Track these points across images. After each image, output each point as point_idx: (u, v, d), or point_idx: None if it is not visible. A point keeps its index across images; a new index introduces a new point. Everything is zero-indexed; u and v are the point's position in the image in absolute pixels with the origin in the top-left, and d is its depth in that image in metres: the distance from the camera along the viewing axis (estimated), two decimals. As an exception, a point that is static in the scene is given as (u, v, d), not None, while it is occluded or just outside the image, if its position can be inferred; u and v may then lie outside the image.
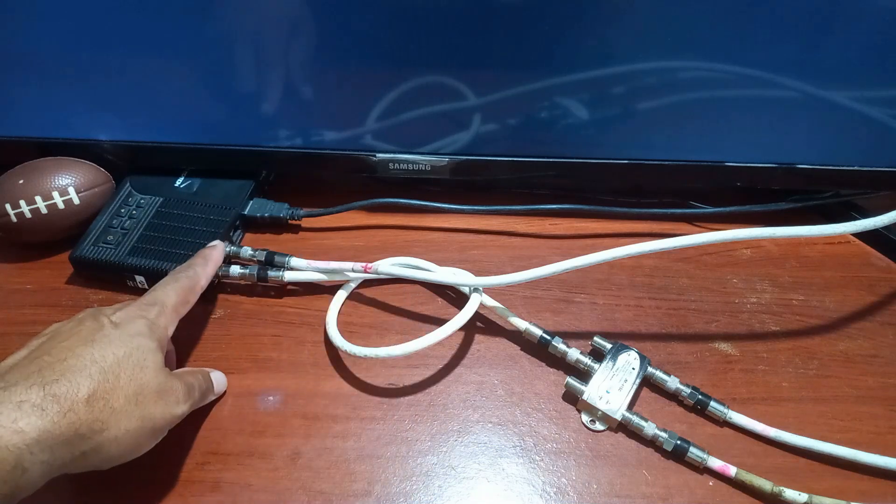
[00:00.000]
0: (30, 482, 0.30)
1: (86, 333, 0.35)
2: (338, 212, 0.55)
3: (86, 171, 0.53)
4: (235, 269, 0.49)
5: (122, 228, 0.51)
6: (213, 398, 0.42)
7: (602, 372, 0.43)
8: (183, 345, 0.46)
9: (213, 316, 0.49)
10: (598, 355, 0.45)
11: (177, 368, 0.44)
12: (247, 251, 0.51)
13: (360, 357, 0.44)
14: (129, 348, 0.35)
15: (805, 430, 0.41)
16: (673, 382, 0.43)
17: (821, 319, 0.49)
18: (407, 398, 0.44)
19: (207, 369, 0.43)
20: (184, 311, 0.41)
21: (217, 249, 0.47)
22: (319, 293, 0.50)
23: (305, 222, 0.56)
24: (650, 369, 0.44)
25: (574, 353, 0.44)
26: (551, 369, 0.46)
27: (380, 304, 0.50)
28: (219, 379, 0.43)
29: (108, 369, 0.33)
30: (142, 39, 0.49)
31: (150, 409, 0.34)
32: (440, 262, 0.50)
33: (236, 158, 0.55)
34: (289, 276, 0.49)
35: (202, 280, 0.43)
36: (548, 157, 0.54)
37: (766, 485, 0.38)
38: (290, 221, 0.56)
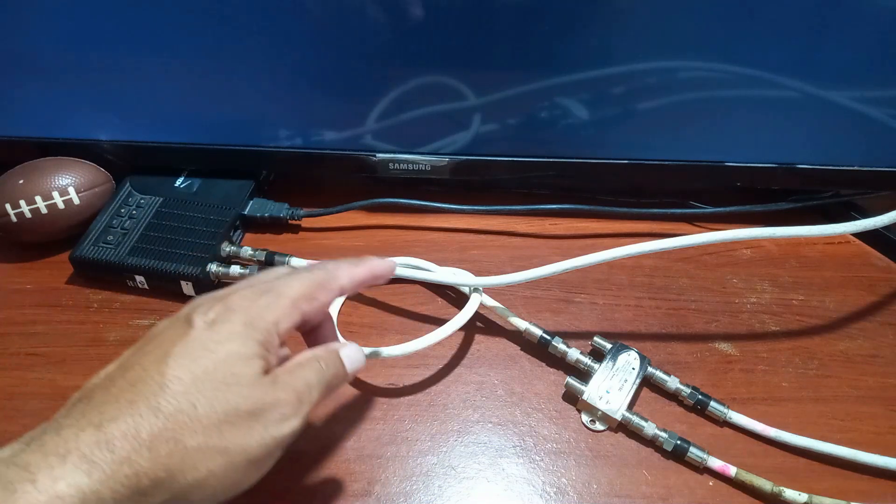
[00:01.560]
0: None
1: (168, 341, 0.28)
2: (338, 212, 0.55)
3: (86, 171, 0.53)
4: (235, 269, 0.49)
5: (122, 228, 0.51)
6: (349, 380, 0.34)
7: (602, 372, 0.43)
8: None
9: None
10: (598, 355, 0.45)
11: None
12: (247, 251, 0.51)
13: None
14: (215, 360, 0.27)
15: (805, 430, 0.41)
16: (673, 382, 0.43)
17: (821, 319, 0.49)
18: (407, 398, 0.44)
19: (334, 345, 0.33)
20: (308, 308, 0.32)
21: (383, 263, 0.37)
22: (319, 293, 0.50)
23: (305, 222, 0.56)
24: (650, 369, 0.44)
25: (574, 353, 0.44)
26: (551, 369, 0.46)
27: (380, 304, 0.50)
28: (351, 355, 0.33)
29: (180, 395, 0.26)
30: (142, 39, 0.49)
31: (239, 438, 0.27)
32: (440, 262, 0.50)
33: (236, 158, 0.55)
34: (289, 276, 0.49)
35: (343, 279, 0.34)
36: (548, 157, 0.54)
37: (766, 485, 0.38)
38: (290, 221, 0.56)
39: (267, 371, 0.29)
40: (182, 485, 0.26)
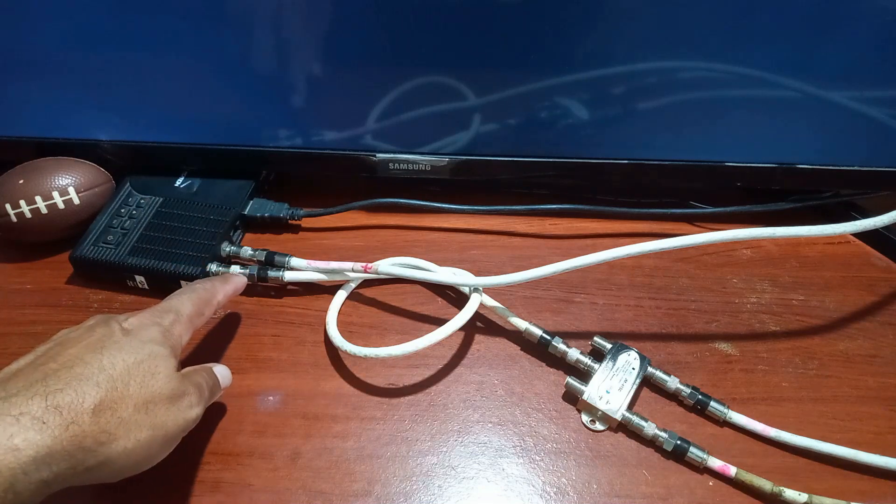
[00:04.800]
0: (25, 500, 0.28)
1: (95, 340, 0.34)
2: (338, 212, 0.55)
3: (86, 171, 0.53)
4: (235, 269, 0.49)
5: (122, 228, 0.51)
6: (221, 394, 0.41)
7: (602, 372, 0.43)
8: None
9: (213, 316, 0.49)
10: (598, 355, 0.45)
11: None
12: (247, 251, 0.51)
13: (360, 357, 0.44)
14: (141, 355, 0.33)
15: (805, 430, 0.41)
16: (673, 382, 0.43)
17: (821, 319, 0.49)
18: (407, 398, 0.44)
19: (210, 365, 0.41)
20: (198, 322, 0.40)
21: (240, 277, 0.46)
22: (319, 293, 0.50)
23: (305, 222, 0.56)
24: (650, 369, 0.44)
25: (574, 353, 0.44)
26: (551, 369, 0.46)
27: (380, 304, 0.50)
28: (223, 373, 0.41)
29: (117, 377, 0.32)
30: (142, 39, 0.49)
31: (161, 416, 0.33)
32: (440, 262, 0.50)
33: (236, 158, 0.55)
34: (289, 276, 0.49)
35: (219, 295, 0.42)
36: (548, 157, 0.54)
37: (766, 485, 0.38)
38: (290, 221, 0.56)
39: (177, 370, 0.36)
40: (114, 450, 0.30)
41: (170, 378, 0.34)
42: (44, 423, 0.28)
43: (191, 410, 0.35)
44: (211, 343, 0.47)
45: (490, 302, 0.47)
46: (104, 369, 0.32)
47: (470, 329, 0.48)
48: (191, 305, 0.40)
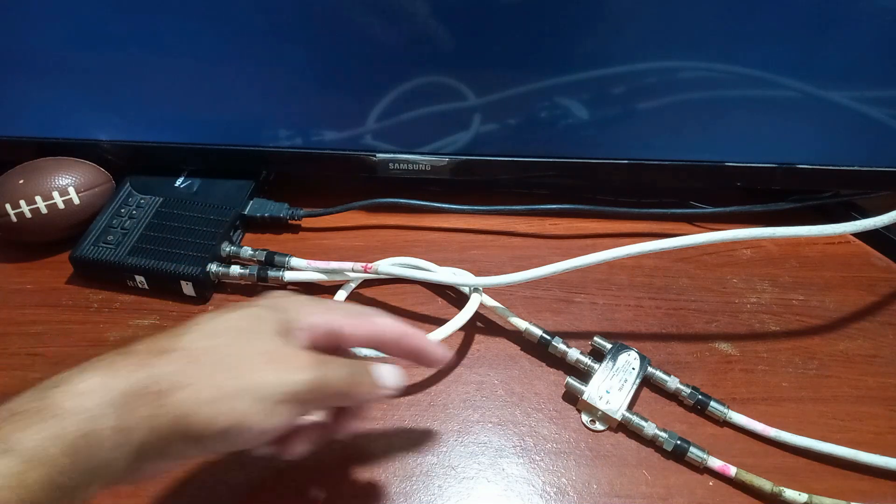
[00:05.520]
0: (107, 456, 0.26)
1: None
2: (338, 212, 0.55)
3: (86, 171, 0.53)
4: (235, 269, 0.49)
5: (122, 228, 0.51)
6: (384, 392, 0.33)
7: (602, 372, 0.43)
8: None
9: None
10: (598, 355, 0.45)
11: None
12: (247, 251, 0.51)
13: (359, 357, 0.44)
14: (241, 313, 0.31)
15: (805, 430, 0.41)
16: (673, 382, 0.43)
17: (821, 319, 0.49)
18: (407, 398, 0.44)
19: (371, 361, 0.35)
20: (341, 321, 0.33)
21: (438, 347, 0.37)
22: (319, 293, 0.50)
23: (305, 222, 0.56)
24: (650, 369, 0.44)
25: (574, 353, 0.44)
26: (551, 369, 0.46)
27: (380, 304, 0.50)
28: (387, 372, 0.33)
29: (204, 326, 0.30)
30: (142, 39, 0.49)
31: (253, 372, 0.29)
32: (440, 262, 0.50)
33: (236, 158, 0.55)
34: (289, 276, 0.49)
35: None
36: (548, 157, 0.54)
37: (766, 485, 0.38)
38: (290, 221, 0.56)
39: (284, 337, 0.31)
40: (191, 395, 0.27)
41: (272, 337, 0.30)
42: (111, 364, 0.27)
43: (296, 373, 0.29)
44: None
45: (490, 302, 0.47)
46: (197, 323, 0.30)
47: (470, 329, 0.48)
48: (345, 310, 0.34)
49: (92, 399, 0.26)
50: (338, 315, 0.33)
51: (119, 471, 0.26)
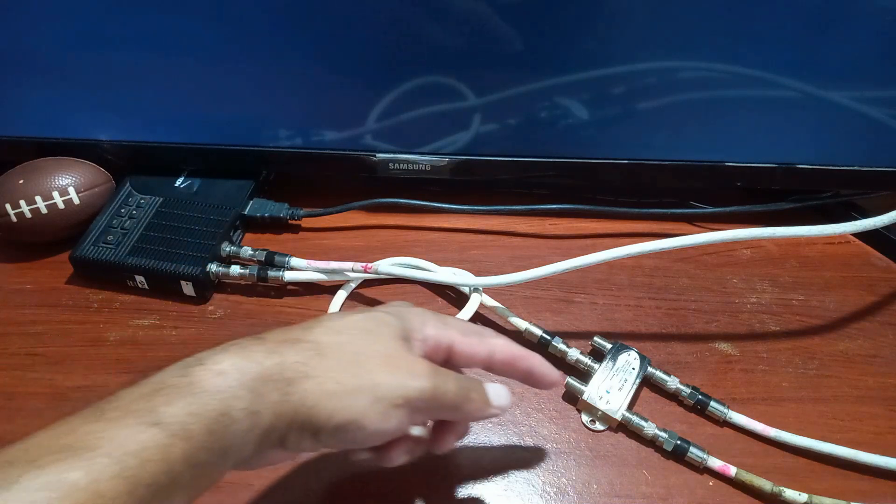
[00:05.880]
0: (238, 437, 0.27)
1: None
2: (338, 212, 0.55)
3: (86, 171, 0.53)
4: (235, 269, 0.49)
5: (122, 228, 0.51)
6: (492, 411, 0.33)
7: (602, 372, 0.43)
8: (183, 346, 0.46)
9: (213, 316, 0.49)
10: (598, 355, 0.45)
11: None
12: (247, 251, 0.51)
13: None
14: (365, 315, 0.32)
15: (805, 430, 0.41)
16: (673, 382, 0.43)
17: (821, 319, 0.49)
18: (407, 398, 0.44)
19: (485, 380, 0.35)
20: (457, 338, 0.34)
21: (553, 371, 0.37)
22: (319, 293, 0.50)
23: (305, 222, 0.56)
24: (650, 369, 0.44)
25: (574, 353, 0.44)
26: (551, 369, 0.46)
27: (380, 304, 0.50)
28: (498, 391, 0.34)
29: (329, 324, 0.31)
30: (142, 39, 0.49)
31: (373, 373, 0.30)
32: (440, 262, 0.50)
33: (236, 158, 0.55)
34: (289, 276, 0.49)
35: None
36: (548, 157, 0.54)
37: (766, 485, 0.38)
38: (290, 221, 0.56)
39: (404, 342, 0.32)
40: (314, 385, 0.28)
41: (393, 341, 0.31)
42: (244, 348, 0.29)
43: (413, 379, 0.30)
44: (210, 344, 0.47)
45: (490, 302, 0.47)
46: (322, 321, 0.32)
47: (470, 329, 0.48)
48: (462, 326, 0.35)
49: (228, 380, 0.27)
50: (454, 331, 0.34)
51: (246, 453, 0.28)
